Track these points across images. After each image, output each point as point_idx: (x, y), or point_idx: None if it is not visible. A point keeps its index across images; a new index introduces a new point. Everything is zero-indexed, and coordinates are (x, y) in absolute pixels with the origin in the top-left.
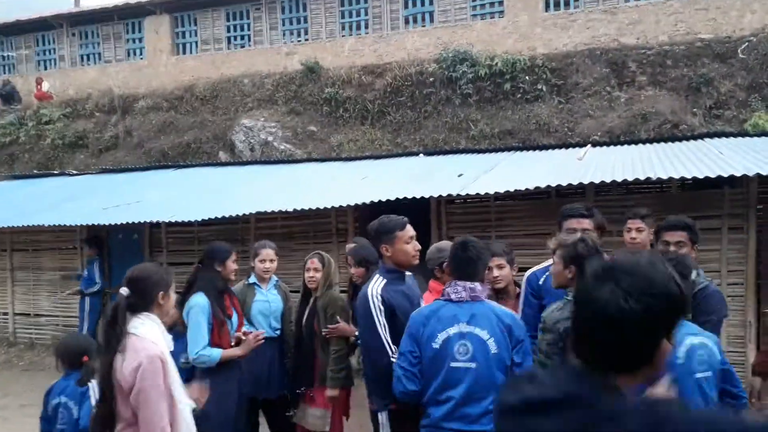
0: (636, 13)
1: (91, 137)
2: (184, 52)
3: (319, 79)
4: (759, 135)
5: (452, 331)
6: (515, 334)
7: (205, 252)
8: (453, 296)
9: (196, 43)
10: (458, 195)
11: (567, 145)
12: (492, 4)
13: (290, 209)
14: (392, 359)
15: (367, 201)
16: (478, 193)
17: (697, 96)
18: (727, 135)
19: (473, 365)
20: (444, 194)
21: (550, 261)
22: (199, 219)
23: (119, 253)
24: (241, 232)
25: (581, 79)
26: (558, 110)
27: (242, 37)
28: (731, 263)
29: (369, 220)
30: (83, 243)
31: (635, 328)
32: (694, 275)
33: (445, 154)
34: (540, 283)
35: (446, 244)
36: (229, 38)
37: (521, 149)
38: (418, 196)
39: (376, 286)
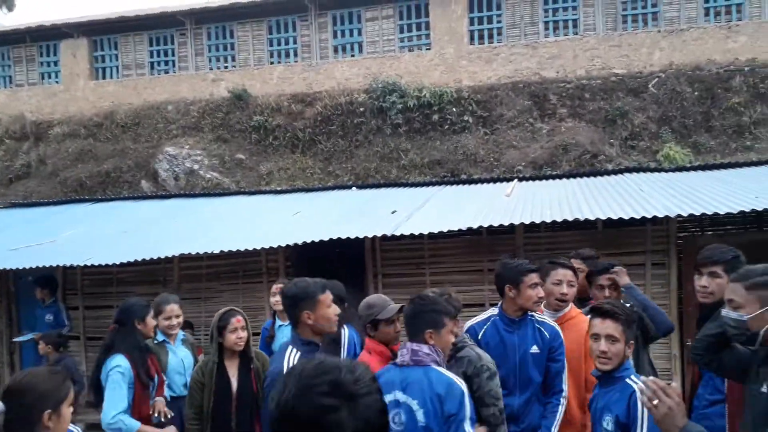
0: (556, 48)
1: (0, 165)
2: (103, 77)
3: (247, 107)
4: (673, 170)
5: (389, 398)
6: (446, 407)
7: (121, 310)
8: (398, 359)
9: (117, 67)
10: (393, 234)
11: (495, 179)
12: (419, 37)
13: (217, 251)
14: None
15: (300, 242)
16: (412, 233)
17: (614, 127)
18: (644, 170)
19: None
20: (378, 234)
21: (489, 312)
22: (118, 262)
23: (27, 298)
24: (163, 272)
25: (505, 111)
26: (484, 141)
27: (166, 63)
28: (655, 298)
29: (301, 258)
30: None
31: None
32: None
33: (378, 188)
34: (479, 337)
35: (376, 298)
36: (152, 63)
37: (451, 183)
38: (352, 236)
39: (291, 360)
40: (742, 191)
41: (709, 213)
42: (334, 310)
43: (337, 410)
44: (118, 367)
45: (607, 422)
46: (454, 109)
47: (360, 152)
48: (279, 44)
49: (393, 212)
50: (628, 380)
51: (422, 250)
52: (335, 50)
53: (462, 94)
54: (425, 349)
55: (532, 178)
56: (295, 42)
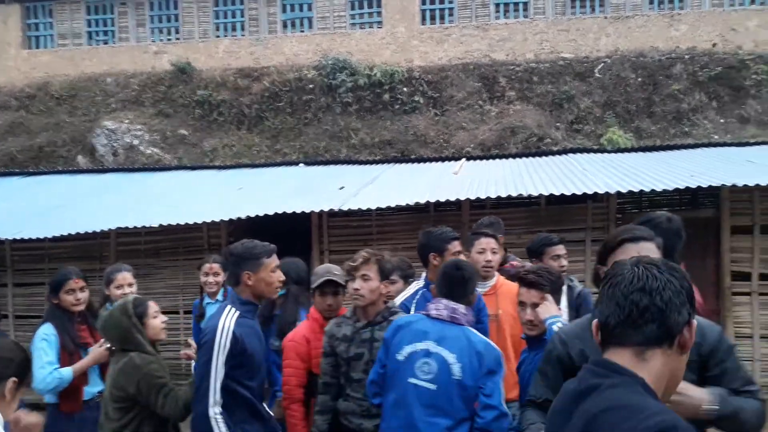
0: (506, 31)
1: None
2: (37, 46)
3: (191, 81)
4: (615, 151)
5: (420, 346)
6: (485, 364)
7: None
8: (433, 312)
9: (52, 36)
10: (340, 209)
11: (443, 158)
12: (371, 14)
13: (155, 224)
14: (212, 412)
15: (244, 216)
16: (360, 208)
17: (560, 111)
18: (588, 151)
19: (433, 387)
20: (325, 209)
21: (415, 286)
22: (50, 236)
23: None
24: (99, 248)
25: (456, 93)
26: (434, 122)
27: (105, 33)
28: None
29: (245, 235)
30: None
31: (670, 293)
32: (568, 282)
33: (326, 165)
34: (411, 312)
35: (322, 267)
36: (90, 33)
37: (400, 161)
38: (298, 211)
39: (228, 319)
40: (679, 171)
41: (647, 190)
42: (278, 276)
43: None
44: (45, 334)
45: None
46: (405, 89)
47: (309, 130)
48: (225, 17)
49: (341, 188)
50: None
51: (370, 226)
52: (284, 25)
53: (413, 74)
54: (462, 309)
55: (480, 158)
56: (242, 15)
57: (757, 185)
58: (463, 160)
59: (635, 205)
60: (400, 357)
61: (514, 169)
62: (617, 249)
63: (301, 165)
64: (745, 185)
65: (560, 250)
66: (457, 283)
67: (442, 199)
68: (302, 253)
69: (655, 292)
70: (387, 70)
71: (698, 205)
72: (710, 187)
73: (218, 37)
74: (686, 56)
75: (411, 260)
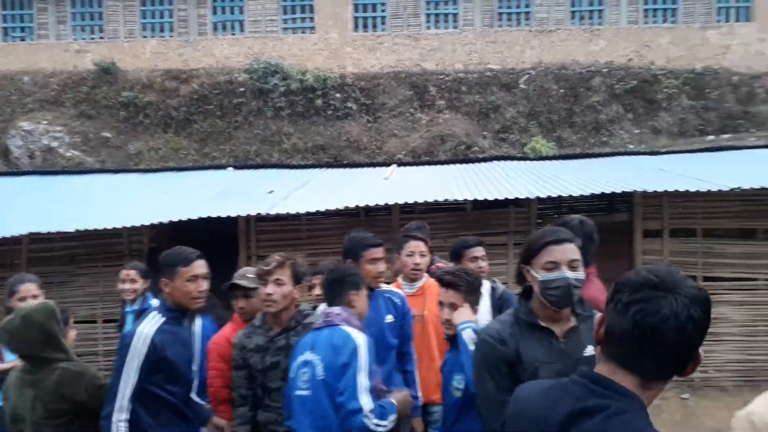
0: (436, 41)
1: None
2: None
3: (115, 82)
4: (537, 159)
5: (301, 359)
6: (339, 358)
7: None
8: (316, 324)
9: None
10: (268, 213)
11: (375, 164)
12: (303, 20)
13: (71, 229)
14: (116, 418)
15: (166, 220)
16: (288, 212)
17: (487, 120)
18: (512, 158)
19: (308, 393)
20: (253, 213)
21: None
22: None
23: None
24: (11, 255)
25: (388, 100)
26: (367, 128)
27: (22, 29)
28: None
29: (168, 241)
30: None
31: (699, 333)
32: (491, 283)
33: (256, 169)
34: None
35: (242, 271)
36: (5, 29)
37: (332, 166)
38: (224, 215)
39: (149, 325)
40: (595, 178)
41: (565, 195)
42: (198, 286)
43: None
44: None
45: (458, 381)
46: (338, 95)
47: (239, 134)
48: (153, 17)
49: (270, 192)
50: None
51: (299, 230)
52: (215, 27)
53: (346, 80)
54: (336, 310)
55: (410, 164)
56: (170, 16)
57: (666, 191)
58: (394, 166)
59: (555, 210)
60: (291, 374)
61: (442, 176)
62: (542, 250)
63: (229, 169)
64: (654, 191)
65: (478, 251)
66: (329, 286)
67: (372, 204)
68: (229, 258)
69: (690, 334)
70: (320, 76)
71: (614, 210)
72: (623, 192)
73: (145, 37)
74: (604, 70)
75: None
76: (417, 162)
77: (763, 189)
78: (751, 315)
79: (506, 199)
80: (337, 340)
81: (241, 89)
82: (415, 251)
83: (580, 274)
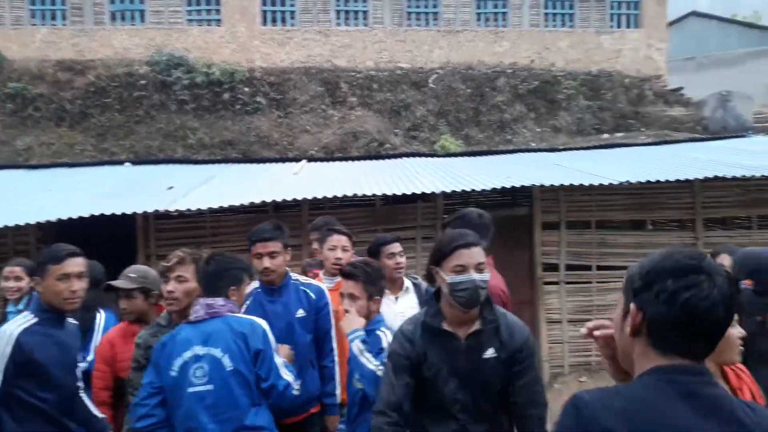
0: (347, 38)
1: None
2: None
3: (1, 72)
4: (445, 156)
5: (188, 355)
6: (251, 344)
7: None
8: (192, 317)
9: None
10: (167, 210)
11: (284, 159)
12: (209, 11)
13: None
14: None
15: (54, 219)
16: (189, 209)
17: (398, 118)
18: (421, 155)
19: (210, 387)
20: (150, 210)
21: (253, 286)
22: None
23: None
24: None
25: (299, 95)
26: (277, 124)
27: None
28: (424, 269)
29: (58, 240)
30: None
31: (732, 311)
32: (412, 280)
33: (156, 164)
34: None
35: (132, 268)
36: None
37: (239, 161)
38: (119, 213)
39: (16, 326)
40: (498, 173)
41: (468, 190)
42: (69, 286)
43: None
44: None
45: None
46: (246, 89)
47: (141, 129)
48: (43, 3)
49: (170, 188)
50: (378, 332)
51: (203, 228)
52: (113, 17)
53: (255, 74)
54: (220, 301)
55: (322, 160)
56: (63, 3)
57: (562, 185)
58: (304, 161)
59: (463, 205)
60: (174, 373)
61: (353, 172)
62: (451, 254)
63: (127, 164)
64: (551, 185)
65: (395, 248)
66: (208, 278)
67: (279, 200)
68: (128, 258)
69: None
70: (227, 69)
71: (517, 204)
72: (523, 187)
73: (34, 25)
74: (508, 71)
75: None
76: (327, 158)
77: (649, 183)
78: None
79: (414, 194)
80: (243, 329)
81: (142, 82)
82: (338, 245)
83: (486, 275)
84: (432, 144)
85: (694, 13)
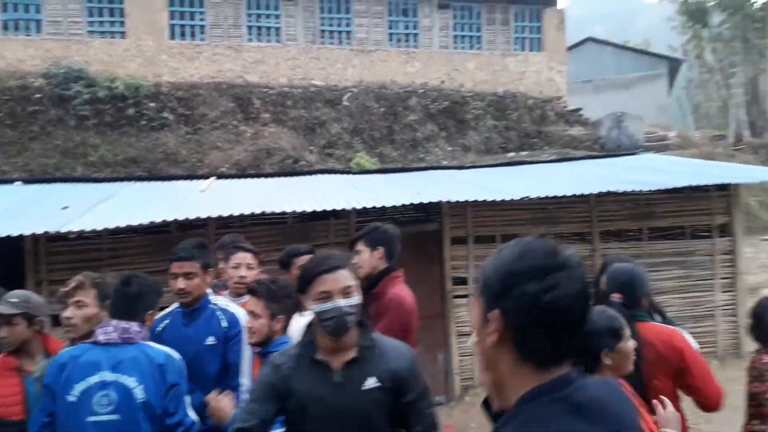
0: (259, 54)
1: None
2: None
3: None
4: (358, 173)
5: (93, 380)
6: (168, 378)
7: None
8: (101, 337)
9: None
10: (58, 232)
11: (192, 177)
12: (112, 23)
13: None
14: None
15: None
16: (84, 230)
17: (313, 135)
18: (334, 172)
19: (116, 417)
20: (39, 231)
21: (174, 305)
22: None
23: None
24: None
25: (209, 111)
26: (186, 140)
27: None
28: None
29: None
30: None
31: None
32: None
33: (51, 183)
34: (155, 332)
35: (8, 295)
36: None
37: (142, 179)
38: (3, 235)
39: None
40: (410, 190)
41: (378, 206)
42: None
43: None
44: None
45: None
46: (152, 105)
47: (35, 145)
48: None
49: (64, 208)
50: None
51: (100, 250)
52: (5, 26)
53: (161, 89)
54: (136, 326)
55: (231, 176)
56: None
57: (467, 201)
58: (213, 178)
59: (376, 219)
60: (72, 398)
61: (264, 189)
62: (314, 280)
63: (17, 183)
64: (457, 201)
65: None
66: (124, 301)
67: (182, 218)
68: (16, 284)
69: (589, 297)
70: (131, 84)
71: (429, 220)
72: (432, 203)
73: None
74: (420, 90)
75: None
76: (237, 174)
77: (548, 198)
78: None
79: (324, 210)
80: (161, 360)
81: (38, 96)
82: (242, 263)
83: (354, 299)
84: (348, 161)
85: (591, 39)
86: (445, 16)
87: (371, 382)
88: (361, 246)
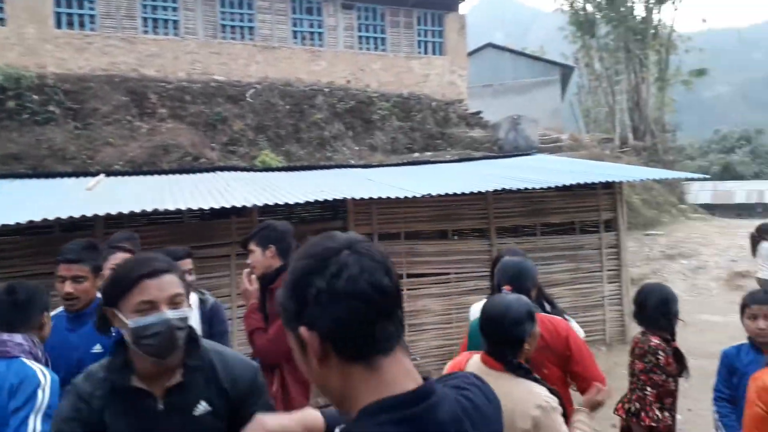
0: (155, 47)
1: None
2: None
3: None
4: (262, 170)
5: None
6: (12, 401)
7: None
8: None
9: None
10: None
11: (79, 174)
12: None
13: None
14: None
15: None
16: None
17: (215, 132)
18: (236, 169)
19: None
20: None
21: (58, 310)
22: None
23: None
24: None
25: (100, 106)
26: (75, 136)
27: None
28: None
29: None
30: None
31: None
32: (199, 296)
33: None
34: None
35: None
36: None
37: (22, 177)
38: None
39: None
40: (315, 188)
41: (281, 203)
42: None
43: None
44: None
45: None
46: (36, 97)
47: None
48: None
49: None
50: None
51: None
52: None
53: (46, 80)
54: (18, 338)
55: (123, 174)
56: None
57: (371, 198)
58: (102, 175)
59: (281, 216)
60: None
61: (159, 186)
62: (133, 288)
63: None
64: (361, 198)
65: (186, 264)
66: (7, 310)
67: (64, 216)
68: None
69: (394, 273)
70: (11, 74)
71: (336, 218)
72: (336, 200)
73: None
74: (326, 89)
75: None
76: (130, 172)
77: (448, 195)
78: (446, 305)
79: (224, 208)
80: (14, 379)
81: None
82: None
83: (183, 311)
84: (252, 159)
85: (491, 45)
86: (349, 16)
87: (202, 408)
88: (252, 246)
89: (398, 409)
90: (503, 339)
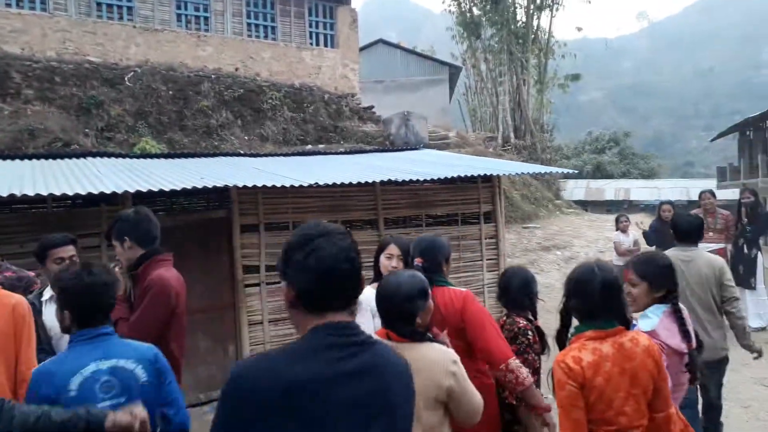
0: (20, 22)
1: None
2: None
3: None
4: (140, 156)
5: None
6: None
7: None
8: None
9: None
10: None
11: None
12: None
13: None
14: None
15: None
16: None
17: (89, 117)
18: (111, 155)
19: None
20: None
21: None
22: None
23: None
24: None
25: None
26: None
27: None
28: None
29: None
30: None
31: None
32: None
33: None
34: None
35: None
36: None
37: None
38: None
39: None
40: (196, 176)
41: (156, 190)
42: None
43: None
44: None
45: None
46: None
47: None
48: None
49: None
50: None
51: None
52: None
53: None
54: None
55: None
56: None
57: (255, 186)
58: None
59: (163, 209)
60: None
61: (19, 171)
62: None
63: None
64: (245, 186)
65: (66, 251)
66: None
67: None
68: None
69: (358, 262)
70: None
71: (222, 207)
72: (216, 187)
73: None
74: (213, 76)
75: None
76: None
77: (336, 186)
78: None
79: (92, 195)
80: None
81: None
82: None
83: None
84: (131, 146)
85: (383, 41)
86: (238, 2)
87: None
88: (112, 241)
89: (318, 330)
90: (397, 314)
